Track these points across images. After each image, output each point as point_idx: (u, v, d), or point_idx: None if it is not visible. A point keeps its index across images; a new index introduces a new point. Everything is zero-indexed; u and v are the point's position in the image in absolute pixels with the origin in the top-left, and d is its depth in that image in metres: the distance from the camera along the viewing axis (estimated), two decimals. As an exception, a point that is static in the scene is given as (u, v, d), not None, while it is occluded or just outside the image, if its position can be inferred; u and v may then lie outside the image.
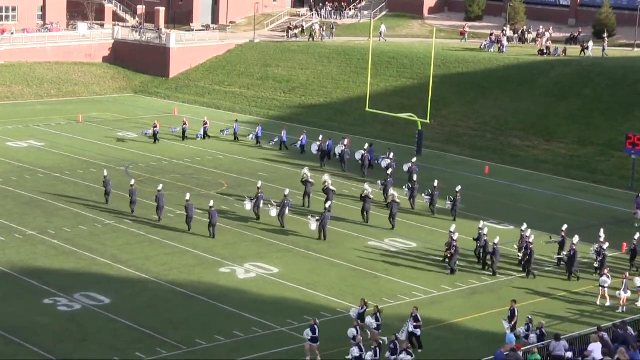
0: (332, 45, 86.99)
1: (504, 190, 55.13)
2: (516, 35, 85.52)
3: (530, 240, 40.52)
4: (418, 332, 31.90)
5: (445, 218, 47.37)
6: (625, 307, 36.50)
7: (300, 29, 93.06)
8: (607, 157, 61.06)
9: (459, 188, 48.96)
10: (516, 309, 32.92)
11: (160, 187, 46.46)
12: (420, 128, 63.66)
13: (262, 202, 46.37)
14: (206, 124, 64.99)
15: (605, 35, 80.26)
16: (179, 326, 33.49)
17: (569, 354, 28.15)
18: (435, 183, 49.64)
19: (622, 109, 65.86)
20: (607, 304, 36.92)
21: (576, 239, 40.51)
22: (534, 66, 74.43)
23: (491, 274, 39.92)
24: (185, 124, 64.36)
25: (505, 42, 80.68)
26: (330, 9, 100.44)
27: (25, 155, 57.90)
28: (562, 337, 29.27)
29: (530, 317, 32.43)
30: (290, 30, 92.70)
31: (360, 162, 56.83)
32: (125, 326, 33.33)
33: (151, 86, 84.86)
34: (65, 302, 35.22)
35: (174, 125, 66.06)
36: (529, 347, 28.92)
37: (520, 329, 32.05)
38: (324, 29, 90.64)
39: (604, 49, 77.05)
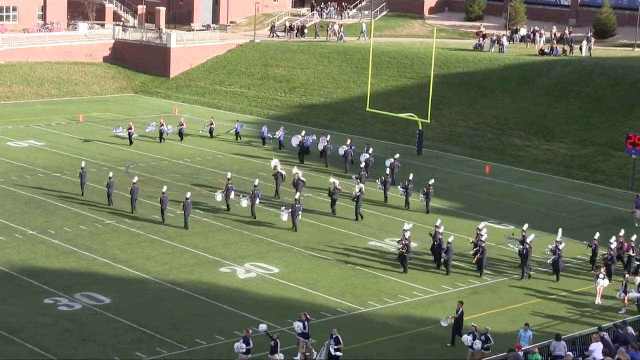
0: (333, 45, 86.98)
1: (504, 190, 55.13)
2: (515, 35, 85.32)
3: (528, 240, 40.39)
4: (339, 354, 30.01)
5: (446, 218, 47.34)
6: (625, 308, 36.48)
7: (298, 30, 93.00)
8: (608, 157, 61.05)
9: (431, 181, 49.89)
10: (462, 309, 32.55)
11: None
12: (420, 128, 63.67)
13: (232, 193, 47.43)
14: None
15: (590, 34, 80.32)
16: (179, 326, 33.49)
17: (570, 354, 28.12)
18: (410, 176, 50.48)
19: (623, 109, 65.85)
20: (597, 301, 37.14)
21: (531, 237, 40.39)
22: (535, 66, 74.41)
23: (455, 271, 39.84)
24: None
25: (505, 42, 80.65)
26: (331, 9, 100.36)
27: (26, 155, 57.91)
28: (562, 337, 29.27)
29: (475, 324, 31.46)
30: (291, 30, 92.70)
31: (343, 157, 57.44)
32: (126, 326, 33.33)
33: (151, 86, 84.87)
34: (65, 301, 35.22)
35: (153, 122, 64.64)
36: (529, 347, 28.90)
37: (467, 337, 30.76)
38: (342, 29, 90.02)
39: (589, 49, 76.87)
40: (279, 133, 62.66)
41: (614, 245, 40.43)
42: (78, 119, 69.53)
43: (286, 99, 78.43)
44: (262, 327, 30.38)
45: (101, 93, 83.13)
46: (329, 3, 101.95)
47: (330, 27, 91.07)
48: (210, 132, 64.86)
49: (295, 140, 60.16)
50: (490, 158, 62.37)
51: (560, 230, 41.81)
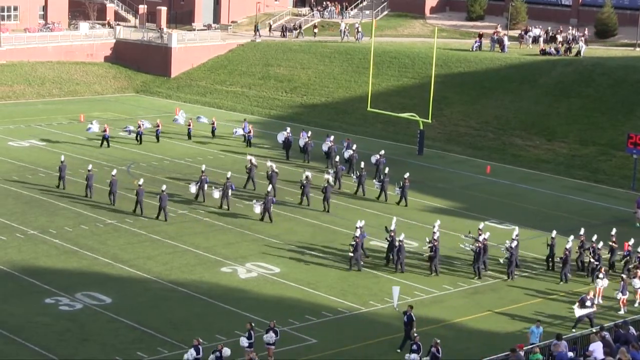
0: (334, 44, 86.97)
1: (505, 190, 55.12)
2: (526, 35, 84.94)
3: (481, 238, 39.92)
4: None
5: (447, 218, 47.37)
6: (626, 308, 36.46)
7: (298, 30, 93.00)
8: (609, 157, 61.03)
9: (407, 175, 50.63)
10: (413, 315, 32.03)
11: (164, 187, 46.53)
12: (421, 128, 63.66)
13: (206, 185, 48.61)
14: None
15: (581, 34, 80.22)
16: (180, 326, 33.50)
17: (571, 354, 28.13)
18: (386, 170, 51.73)
19: (624, 109, 65.83)
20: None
21: (487, 234, 40.34)
22: (536, 66, 74.40)
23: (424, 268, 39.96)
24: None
25: (506, 42, 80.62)
26: (332, 9, 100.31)
27: (27, 155, 57.91)
28: (563, 337, 29.26)
29: (418, 337, 30.87)
30: (293, 30, 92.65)
31: (325, 153, 58.16)
32: (127, 326, 33.35)
33: (153, 86, 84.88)
34: (66, 301, 35.24)
35: (128, 126, 63.88)
36: (530, 347, 28.89)
37: (412, 357, 29.93)
38: (360, 29, 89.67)
39: (580, 50, 76.84)
40: (239, 130, 63.84)
41: (569, 245, 40.06)
42: (79, 118, 69.52)
43: (287, 99, 78.43)
44: (244, 342, 29.84)
45: (102, 93, 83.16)
46: (327, 3, 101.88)
47: (348, 27, 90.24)
48: (213, 132, 64.76)
49: (280, 137, 60.87)
50: (492, 158, 62.37)
51: (554, 231, 41.70)
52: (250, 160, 52.46)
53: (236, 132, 64.11)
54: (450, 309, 36.20)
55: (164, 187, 46.21)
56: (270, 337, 30.40)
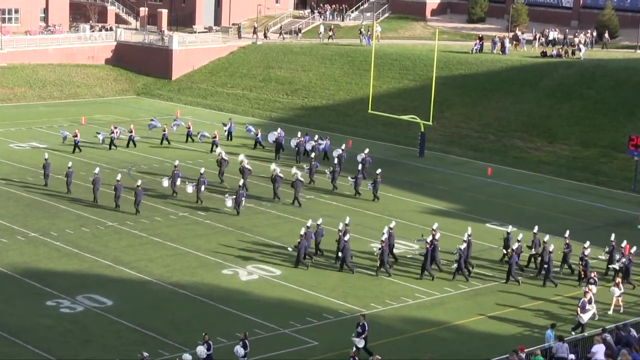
0: (335, 47, 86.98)
1: (507, 191, 55.11)
2: (542, 37, 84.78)
3: (428, 239, 39.90)
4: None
5: (448, 220, 47.36)
6: (622, 309, 36.27)
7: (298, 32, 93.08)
8: (610, 159, 61.02)
9: (379, 171, 51.45)
10: (366, 324, 31.46)
11: (139, 182, 47.67)
12: (422, 130, 63.65)
13: (178, 179, 50.00)
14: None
15: (581, 37, 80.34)
16: (181, 328, 33.49)
17: (572, 356, 28.11)
18: (360, 167, 53.01)
19: (625, 111, 65.82)
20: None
21: (438, 235, 40.26)
22: (537, 67, 74.40)
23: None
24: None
25: (507, 44, 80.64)
26: (330, 11, 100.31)
27: (28, 157, 57.91)
28: (565, 339, 29.25)
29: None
30: (295, 33, 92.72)
31: (311, 152, 58.61)
32: (128, 328, 33.34)
33: (154, 88, 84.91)
34: (67, 303, 35.22)
35: (101, 132, 62.66)
36: (531, 348, 28.88)
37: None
38: (371, 30, 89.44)
39: (573, 51, 76.87)
40: (229, 124, 64.79)
41: (515, 246, 39.98)
42: (80, 121, 69.54)
43: (288, 101, 78.44)
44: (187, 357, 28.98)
45: (103, 95, 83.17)
46: (326, 5, 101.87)
47: (366, 29, 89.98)
48: (229, 134, 64.38)
49: (271, 137, 61.34)
50: (493, 160, 62.36)
51: (510, 226, 41.71)
52: (220, 153, 54.21)
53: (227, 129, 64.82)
54: (451, 311, 36.18)
55: (139, 182, 47.33)
56: (239, 350, 29.54)
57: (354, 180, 51.65)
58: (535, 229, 41.89)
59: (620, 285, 36.74)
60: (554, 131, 65.71)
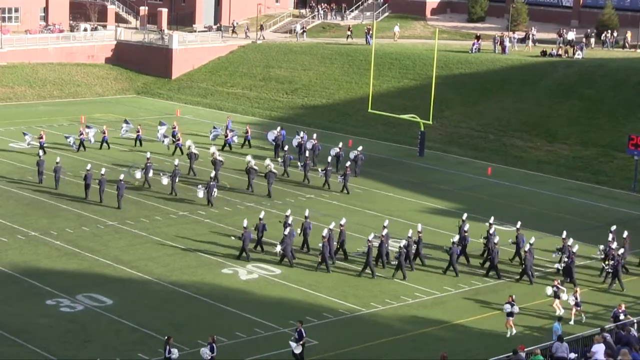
0: (335, 46, 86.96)
1: (506, 191, 55.10)
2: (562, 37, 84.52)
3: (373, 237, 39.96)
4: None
5: (448, 220, 47.35)
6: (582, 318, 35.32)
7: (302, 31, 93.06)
8: (610, 159, 61.01)
9: (348, 164, 53.30)
10: (303, 330, 30.79)
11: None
12: (422, 129, 63.65)
13: (151, 171, 51.40)
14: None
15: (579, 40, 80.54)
16: (181, 327, 33.49)
17: (572, 355, 28.13)
18: (329, 159, 54.70)
19: (625, 110, 65.81)
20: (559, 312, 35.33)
21: (385, 231, 40.48)
22: (537, 67, 74.39)
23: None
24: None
25: (507, 44, 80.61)
26: (325, 10, 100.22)
27: (28, 156, 57.87)
28: (564, 338, 29.27)
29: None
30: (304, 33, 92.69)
31: (297, 148, 59.33)
32: (128, 327, 33.34)
33: (154, 87, 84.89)
34: (67, 303, 35.23)
35: (71, 135, 61.47)
36: (531, 348, 28.88)
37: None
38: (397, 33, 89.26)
39: (574, 52, 76.86)
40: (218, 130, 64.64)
41: (456, 238, 40.44)
42: (80, 120, 69.51)
43: (288, 100, 78.43)
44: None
45: (103, 94, 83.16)
46: (319, 5, 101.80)
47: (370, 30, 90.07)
48: (247, 140, 62.99)
49: (270, 136, 61.43)
50: (493, 159, 62.35)
51: (465, 214, 41.85)
52: (190, 146, 55.31)
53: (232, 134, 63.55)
54: (451, 310, 36.18)
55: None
56: (205, 352, 29.32)
57: (324, 172, 52.94)
58: (466, 226, 42.47)
59: (576, 294, 35.22)
60: (553, 131, 65.70)
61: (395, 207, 50.17)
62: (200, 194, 48.64)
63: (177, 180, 50.47)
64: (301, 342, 30.47)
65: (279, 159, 56.84)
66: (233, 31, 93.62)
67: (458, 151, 64.84)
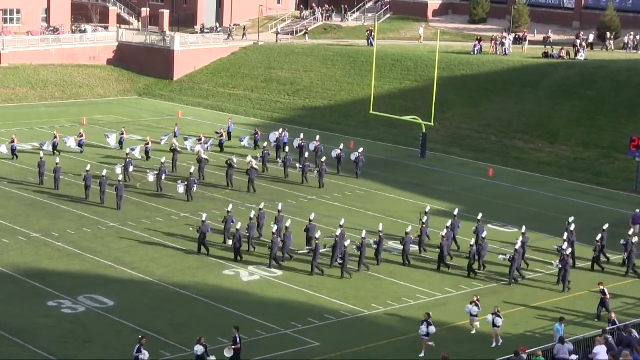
0: (336, 47, 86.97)
1: (508, 192, 55.09)
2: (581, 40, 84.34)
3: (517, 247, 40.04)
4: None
5: (448, 220, 47.35)
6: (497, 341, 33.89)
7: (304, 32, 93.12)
8: (612, 160, 60.99)
9: (323, 159, 54.45)
10: (238, 337, 30.26)
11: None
12: (424, 131, 63.65)
13: (131, 167, 52.76)
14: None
15: (581, 40, 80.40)
16: (182, 328, 33.50)
17: (574, 357, 28.11)
18: (306, 155, 56.04)
19: (627, 112, 65.77)
20: (473, 331, 34.43)
21: (342, 229, 40.99)
22: (538, 68, 74.37)
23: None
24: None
25: (507, 44, 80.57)
26: (324, 12, 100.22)
27: (29, 158, 57.88)
28: (566, 340, 29.24)
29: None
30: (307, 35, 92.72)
31: (297, 150, 59.55)
32: (129, 328, 33.35)
33: (155, 88, 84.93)
34: (69, 304, 35.25)
35: (46, 139, 61.43)
36: (533, 349, 28.87)
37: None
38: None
39: (575, 54, 76.86)
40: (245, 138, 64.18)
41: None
42: (82, 121, 69.57)
43: (290, 102, 78.44)
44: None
45: (105, 96, 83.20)
46: (325, 6, 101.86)
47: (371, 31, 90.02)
48: (256, 142, 63.20)
49: (272, 137, 61.78)
50: (494, 161, 62.35)
51: (428, 206, 41.93)
52: (174, 143, 56.78)
53: (242, 139, 63.56)
54: (452, 311, 36.16)
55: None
56: (198, 348, 29.26)
57: (301, 168, 54.16)
58: (479, 216, 43.36)
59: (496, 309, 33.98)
60: (555, 132, 65.68)
61: (396, 208, 50.17)
62: (181, 189, 49.64)
63: (163, 177, 51.33)
64: (233, 347, 29.88)
65: (279, 160, 57.03)
66: (229, 36, 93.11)
67: (459, 152, 64.84)
